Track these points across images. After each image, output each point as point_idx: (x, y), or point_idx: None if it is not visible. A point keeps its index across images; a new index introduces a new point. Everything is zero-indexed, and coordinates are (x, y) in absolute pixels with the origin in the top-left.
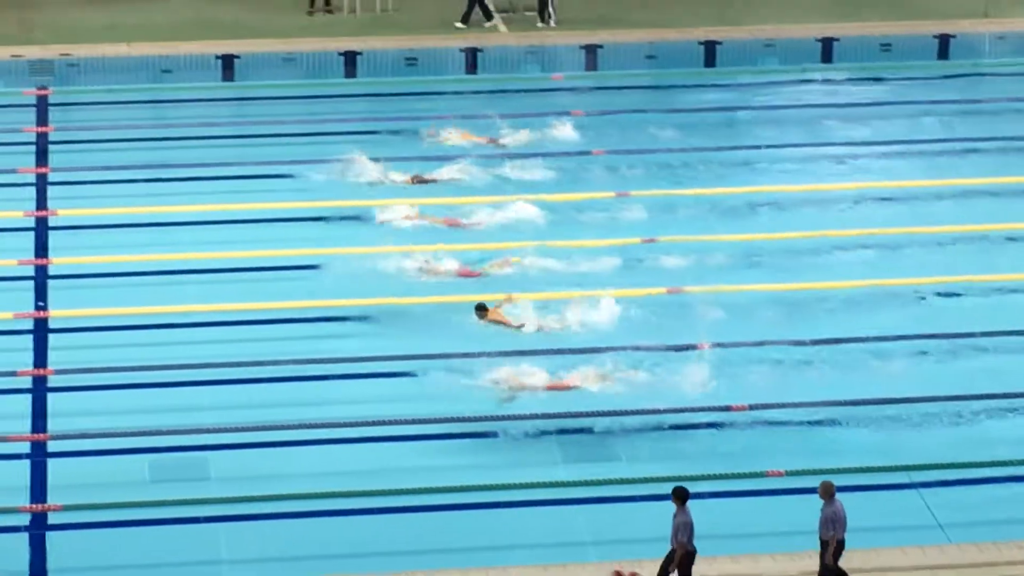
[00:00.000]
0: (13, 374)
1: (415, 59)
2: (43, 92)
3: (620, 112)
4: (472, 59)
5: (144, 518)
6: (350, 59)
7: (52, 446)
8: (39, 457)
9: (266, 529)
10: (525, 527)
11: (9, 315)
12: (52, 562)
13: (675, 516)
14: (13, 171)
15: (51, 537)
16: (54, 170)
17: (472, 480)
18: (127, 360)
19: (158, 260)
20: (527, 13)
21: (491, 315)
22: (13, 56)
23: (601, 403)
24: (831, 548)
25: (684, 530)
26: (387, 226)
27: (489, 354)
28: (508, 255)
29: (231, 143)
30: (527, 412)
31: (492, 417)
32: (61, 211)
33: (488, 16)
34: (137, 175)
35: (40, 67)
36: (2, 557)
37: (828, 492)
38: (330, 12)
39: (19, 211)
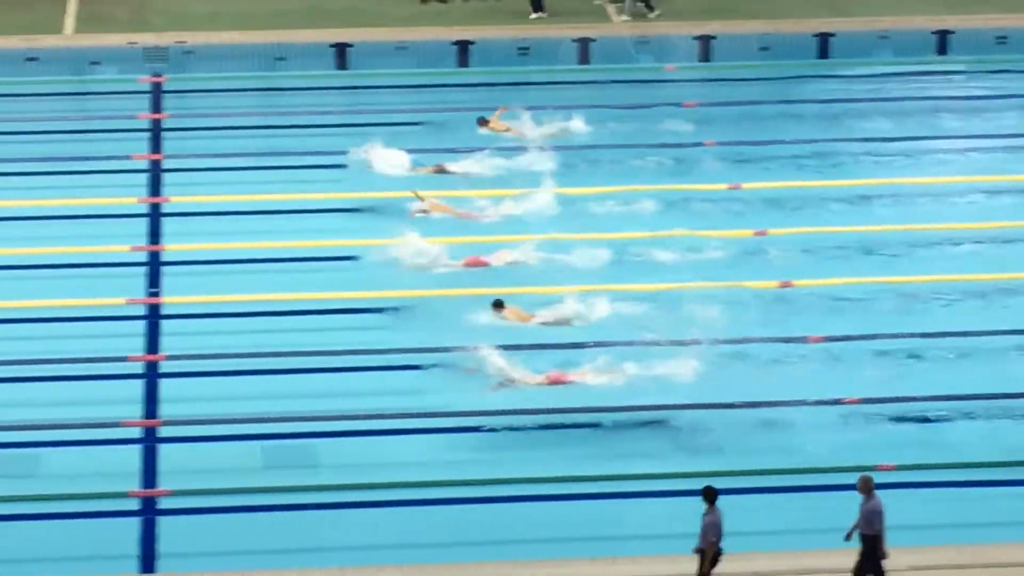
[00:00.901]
0: (124, 359)
1: (527, 49)
2: (157, 79)
3: (733, 104)
4: (584, 49)
5: (254, 504)
6: (463, 48)
7: (163, 431)
8: (150, 442)
9: (374, 517)
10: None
11: (122, 300)
12: (162, 547)
13: (704, 515)
14: (127, 157)
15: (161, 522)
16: (167, 157)
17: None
18: (239, 346)
19: (270, 247)
20: (637, 3)
21: (508, 313)
22: (129, 43)
23: (719, 396)
24: (880, 541)
25: (713, 530)
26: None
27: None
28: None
29: (343, 131)
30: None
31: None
32: (174, 198)
33: (537, 8)
34: (250, 163)
35: (155, 54)
36: (113, 542)
37: (868, 487)
38: (443, 0)
39: (133, 197)
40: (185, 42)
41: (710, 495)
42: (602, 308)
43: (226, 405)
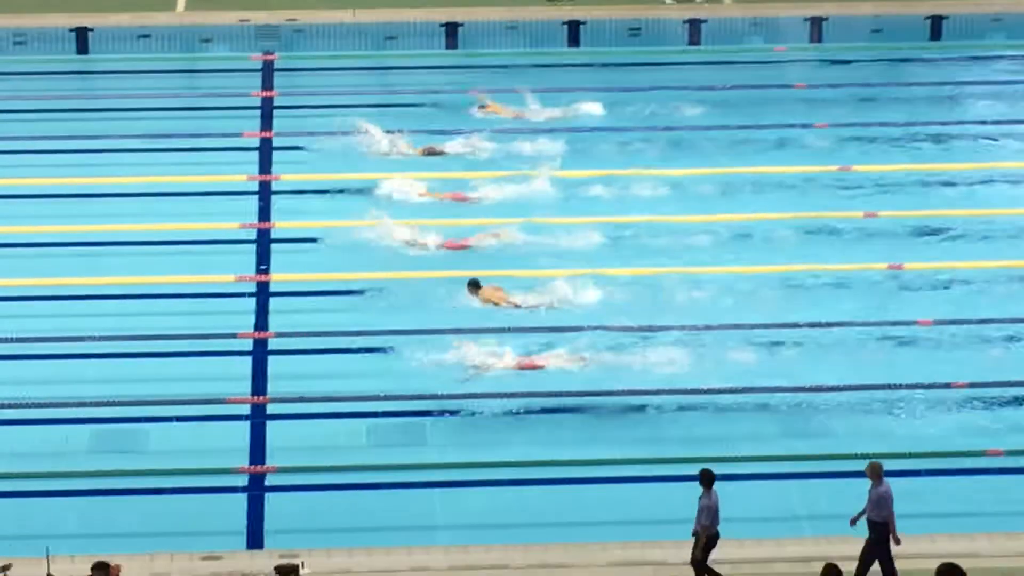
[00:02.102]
0: (233, 336)
1: (638, 30)
2: (269, 57)
3: (844, 85)
4: (695, 30)
5: (360, 482)
6: (573, 28)
7: (271, 408)
8: (258, 419)
9: (481, 495)
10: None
11: (231, 278)
12: (269, 523)
13: (700, 499)
14: (238, 135)
15: (269, 498)
16: (278, 135)
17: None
18: (347, 324)
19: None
20: None
21: (484, 293)
22: (241, 21)
23: (817, 378)
24: (891, 527)
25: (707, 514)
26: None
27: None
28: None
29: (451, 110)
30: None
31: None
32: (284, 176)
33: None
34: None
35: (267, 32)
36: (221, 517)
37: (876, 473)
38: None
39: (243, 175)
40: (296, 20)
41: (706, 478)
42: (689, 291)
43: (333, 383)
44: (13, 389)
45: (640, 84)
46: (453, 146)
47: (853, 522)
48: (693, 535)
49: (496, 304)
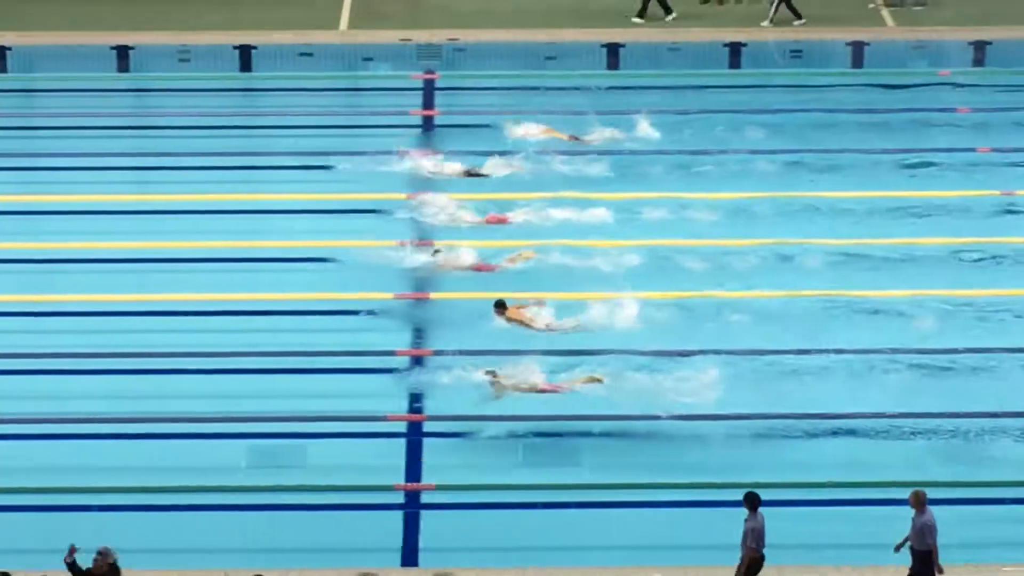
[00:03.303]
0: (391, 354)
1: (800, 51)
2: (430, 76)
3: (1008, 110)
4: (858, 53)
5: (514, 501)
6: (734, 50)
7: (427, 426)
8: (415, 436)
9: (631, 516)
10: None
11: (389, 295)
12: (424, 541)
13: (746, 521)
14: (398, 153)
15: (424, 516)
16: (438, 153)
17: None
18: (505, 343)
19: (542, 245)
20: (915, 8)
21: (510, 313)
22: (402, 40)
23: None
24: (934, 557)
25: (752, 536)
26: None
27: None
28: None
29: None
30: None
31: None
32: (451, 195)
33: (667, 11)
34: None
35: (427, 51)
36: (377, 534)
37: (920, 502)
38: (721, 3)
39: (402, 193)
40: (457, 39)
41: (752, 501)
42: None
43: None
44: (168, 403)
45: (800, 105)
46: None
47: (897, 548)
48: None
49: (525, 324)
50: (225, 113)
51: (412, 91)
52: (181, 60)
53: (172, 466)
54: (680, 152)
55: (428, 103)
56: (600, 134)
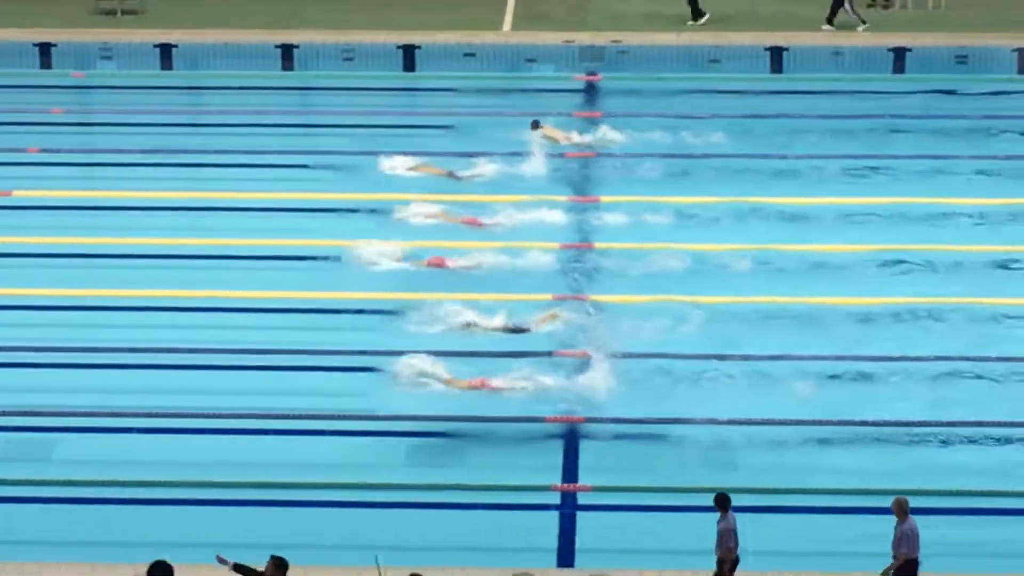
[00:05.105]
0: (550, 355)
1: (965, 57)
2: (592, 78)
3: None
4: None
5: (673, 504)
6: (899, 55)
7: (583, 429)
8: (572, 438)
9: (796, 522)
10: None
11: (548, 296)
12: (580, 542)
13: (718, 523)
14: (560, 156)
15: (581, 517)
16: (600, 155)
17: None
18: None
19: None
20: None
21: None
22: (565, 41)
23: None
24: (894, 565)
25: (727, 536)
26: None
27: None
28: None
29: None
30: None
31: None
32: (604, 197)
33: (698, 14)
34: (679, 165)
35: (590, 53)
36: (533, 534)
37: (902, 509)
38: (886, 7)
39: (563, 196)
40: (620, 41)
41: (722, 502)
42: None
43: (650, 404)
44: (325, 400)
45: (964, 111)
46: None
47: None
48: (718, 562)
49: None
50: (387, 112)
51: (574, 92)
52: (345, 59)
53: (330, 463)
54: (844, 156)
55: (591, 105)
56: None
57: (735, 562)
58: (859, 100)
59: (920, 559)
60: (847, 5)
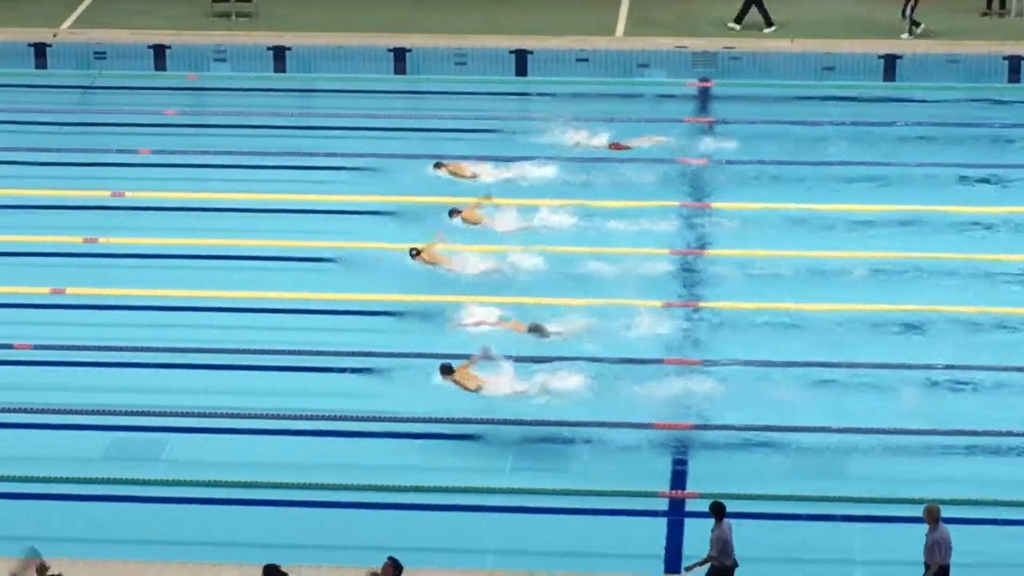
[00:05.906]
0: (660, 362)
1: None
2: (705, 84)
3: None
4: None
5: (778, 512)
6: (1014, 64)
7: (693, 436)
8: (680, 445)
9: (902, 532)
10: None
11: (659, 303)
12: (687, 549)
13: (712, 530)
14: (674, 161)
15: (688, 524)
16: (712, 162)
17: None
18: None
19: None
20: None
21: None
22: (677, 47)
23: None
24: (928, 574)
25: (717, 544)
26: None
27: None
28: None
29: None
30: None
31: None
32: (716, 204)
33: (739, 19)
34: (789, 171)
35: (703, 59)
36: (641, 540)
37: (933, 517)
38: (1002, 15)
39: (675, 201)
40: (734, 48)
41: (718, 510)
42: None
43: (756, 411)
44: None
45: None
46: None
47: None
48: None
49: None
50: (497, 116)
51: (686, 98)
52: (457, 63)
53: (428, 466)
54: (962, 165)
55: (703, 111)
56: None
57: (729, 570)
58: (973, 108)
59: (949, 565)
60: (906, 10)
